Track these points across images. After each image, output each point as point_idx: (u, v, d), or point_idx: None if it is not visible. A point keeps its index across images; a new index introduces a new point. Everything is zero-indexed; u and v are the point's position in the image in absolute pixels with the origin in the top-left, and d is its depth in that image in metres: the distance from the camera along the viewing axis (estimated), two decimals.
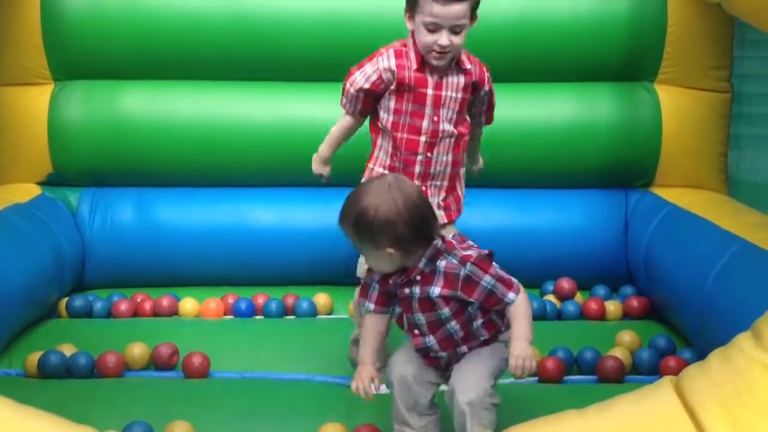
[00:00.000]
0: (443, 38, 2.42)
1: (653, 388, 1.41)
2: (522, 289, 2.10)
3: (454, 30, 2.43)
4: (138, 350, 2.79)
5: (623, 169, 3.58)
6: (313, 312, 3.29)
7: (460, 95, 2.56)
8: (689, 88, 3.51)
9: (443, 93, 2.54)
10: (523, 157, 3.57)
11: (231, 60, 3.52)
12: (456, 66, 2.55)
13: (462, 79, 2.56)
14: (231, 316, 3.29)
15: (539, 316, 3.21)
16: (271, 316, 3.26)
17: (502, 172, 3.58)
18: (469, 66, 2.58)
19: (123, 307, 3.25)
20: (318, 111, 3.47)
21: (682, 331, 3.06)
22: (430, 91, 2.52)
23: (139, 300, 3.30)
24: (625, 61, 3.51)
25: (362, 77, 2.55)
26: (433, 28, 2.42)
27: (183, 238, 3.50)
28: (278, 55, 3.51)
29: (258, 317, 3.29)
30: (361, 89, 2.56)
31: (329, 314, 3.36)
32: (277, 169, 3.56)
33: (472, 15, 2.49)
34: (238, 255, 3.50)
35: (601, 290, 3.46)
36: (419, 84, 2.52)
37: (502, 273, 2.10)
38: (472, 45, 3.43)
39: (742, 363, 1.33)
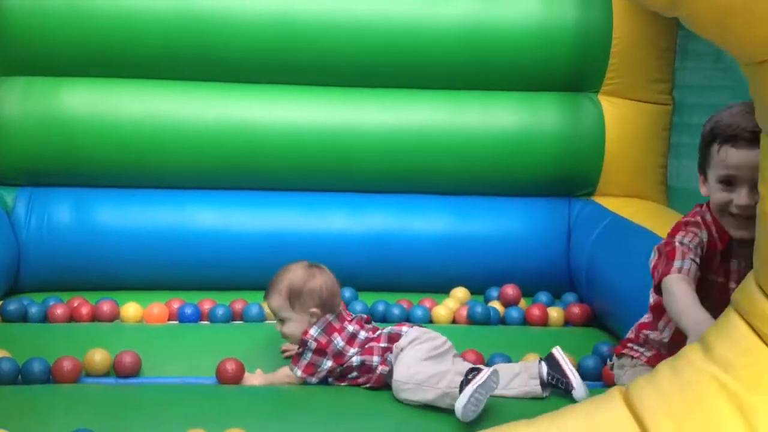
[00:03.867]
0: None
1: (603, 399, 1.43)
2: (294, 371, 2.57)
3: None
4: (98, 356, 2.71)
5: (567, 178, 3.64)
6: (262, 317, 3.25)
7: None
8: (632, 99, 3.60)
9: None
10: (468, 165, 3.61)
11: (175, 59, 3.46)
12: None
13: None
14: (175, 322, 3.23)
15: (483, 321, 3.24)
16: (218, 321, 3.21)
17: (447, 179, 3.62)
18: None
19: (59, 311, 3.16)
20: (262, 113, 3.46)
21: (623, 338, 3.11)
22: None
23: (76, 304, 3.21)
24: (570, 72, 3.58)
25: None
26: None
27: (123, 241, 3.44)
28: (223, 56, 3.47)
29: (204, 323, 3.24)
30: None
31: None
32: (222, 170, 3.52)
33: None
34: (182, 259, 3.45)
35: (543, 297, 3.51)
36: None
37: (308, 358, 2.57)
38: (420, 53, 3.50)
39: (692, 375, 1.35)
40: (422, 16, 3.49)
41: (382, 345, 2.57)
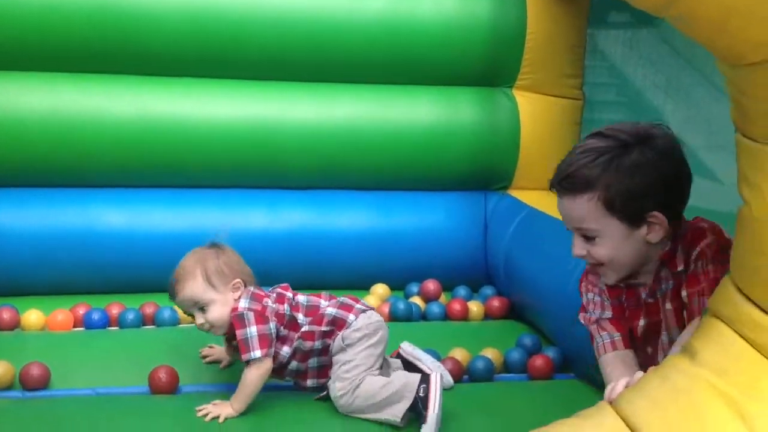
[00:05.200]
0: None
1: (593, 412, 1.40)
2: (252, 356, 2.35)
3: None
4: (1, 369, 2.51)
5: (483, 172, 3.67)
6: (176, 321, 3.09)
7: None
8: (545, 94, 3.65)
9: None
10: (385, 160, 3.57)
11: (85, 52, 3.26)
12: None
13: None
14: (82, 329, 3.03)
15: (405, 317, 3.22)
16: (128, 326, 3.04)
17: (365, 175, 3.58)
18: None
19: None
20: (176, 107, 3.32)
21: (544, 330, 3.16)
22: None
23: None
24: (485, 67, 3.60)
25: None
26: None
27: (23, 243, 3.22)
28: (136, 49, 3.30)
29: (113, 328, 3.06)
30: None
31: (192, 323, 3.16)
32: (131, 168, 3.34)
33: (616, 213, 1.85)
34: (88, 261, 3.26)
35: (462, 291, 3.52)
36: None
37: (254, 332, 2.35)
38: (339, 47, 3.43)
39: (684, 382, 1.33)
40: (341, 11, 3.43)
41: (324, 329, 2.44)
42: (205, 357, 2.70)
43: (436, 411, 2.23)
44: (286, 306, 2.44)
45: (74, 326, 3.03)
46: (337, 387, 2.37)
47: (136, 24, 3.26)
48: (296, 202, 3.53)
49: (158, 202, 3.38)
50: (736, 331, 1.35)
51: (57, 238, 3.24)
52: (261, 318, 2.36)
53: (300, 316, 2.44)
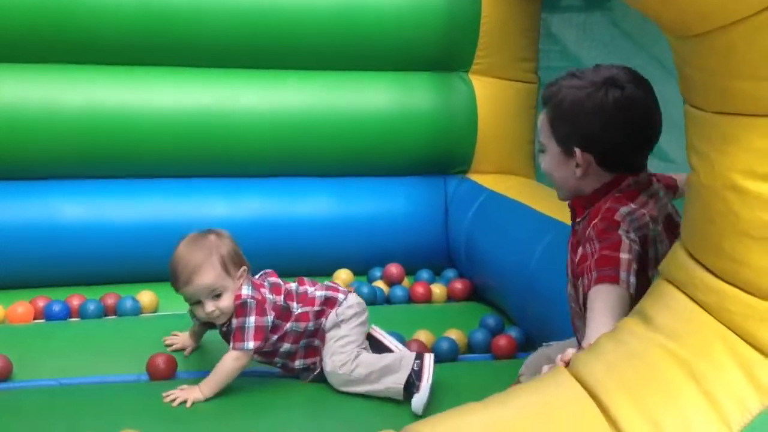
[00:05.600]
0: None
1: (550, 376, 1.43)
2: (245, 348, 2.38)
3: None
4: None
5: (441, 156, 3.70)
6: (138, 311, 3.08)
7: None
8: (500, 78, 3.68)
9: None
10: (343, 146, 3.58)
11: (35, 41, 3.21)
12: None
13: None
14: (42, 321, 3.00)
15: (369, 301, 3.23)
16: (89, 317, 3.01)
17: (324, 162, 3.59)
18: None
19: None
20: (127, 97, 3.29)
21: (506, 310, 3.21)
22: None
23: None
24: (441, 51, 3.62)
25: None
26: None
27: None
28: (86, 38, 3.26)
29: (74, 320, 3.03)
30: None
31: (155, 312, 3.16)
32: (88, 158, 3.30)
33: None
34: (46, 253, 3.22)
35: (425, 274, 3.55)
36: None
37: (252, 322, 2.37)
38: (293, 33, 3.42)
39: (638, 346, 1.37)
40: None
41: (317, 309, 2.48)
42: (169, 346, 2.69)
43: (429, 381, 2.34)
44: (281, 297, 2.46)
45: (35, 318, 3.00)
46: (335, 360, 2.42)
47: (84, 13, 3.21)
48: (256, 190, 3.52)
49: (116, 193, 3.35)
50: (688, 295, 1.40)
51: (14, 231, 3.19)
52: (261, 309, 2.38)
53: (293, 305, 2.47)
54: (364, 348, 2.52)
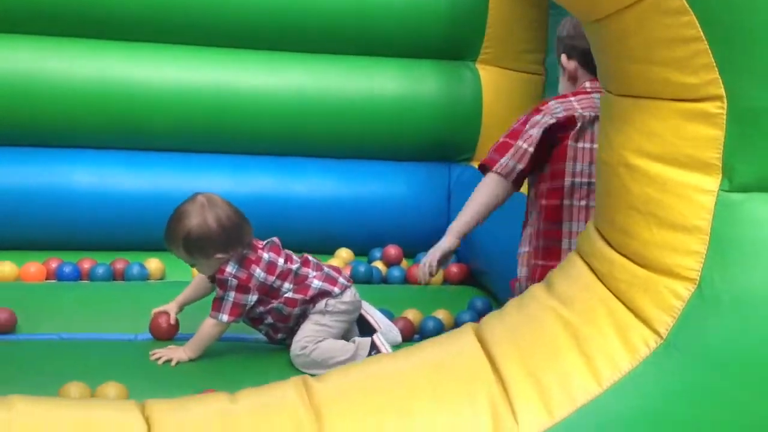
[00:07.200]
0: None
1: (457, 333, 1.56)
2: (219, 318, 2.45)
3: None
4: None
5: (446, 143, 3.78)
6: (145, 277, 3.24)
7: None
8: (507, 68, 3.75)
9: None
10: (350, 129, 3.68)
11: (47, 15, 3.38)
12: None
13: None
14: (54, 281, 3.18)
15: (365, 280, 3.34)
16: (98, 280, 3.19)
17: (332, 143, 3.69)
18: None
19: None
20: (142, 71, 3.44)
21: (497, 294, 3.28)
22: None
23: None
24: (449, 40, 3.70)
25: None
26: None
27: None
28: (103, 13, 3.42)
29: (84, 282, 3.21)
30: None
31: (161, 279, 3.32)
32: (101, 129, 3.48)
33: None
34: (60, 219, 3.40)
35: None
36: None
37: (231, 298, 2.44)
38: (306, 16, 3.53)
39: (535, 310, 1.49)
40: None
41: (307, 298, 2.52)
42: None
43: None
44: (274, 277, 2.47)
45: (46, 278, 3.18)
46: (299, 339, 2.48)
47: None
48: (262, 167, 3.66)
49: (126, 163, 3.52)
50: (587, 264, 1.50)
51: (30, 195, 3.38)
52: (243, 288, 2.42)
53: (286, 285, 2.50)
54: (340, 338, 2.54)
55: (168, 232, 2.44)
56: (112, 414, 1.41)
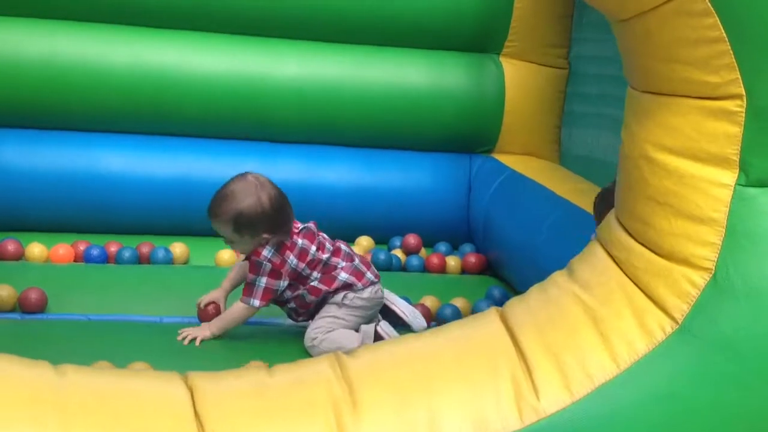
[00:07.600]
0: None
1: (482, 315, 1.63)
2: (250, 303, 2.50)
3: None
4: (4, 292, 2.71)
5: (468, 134, 3.83)
6: (170, 261, 3.31)
7: None
8: (530, 62, 3.80)
9: None
10: (375, 118, 3.74)
11: (85, 2, 3.46)
12: None
13: None
14: (81, 263, 3.25)
15: (385, 267, 3.40)
16: (125, 263, 3.26)
17: (356, 132, 3.75)
18: None
19: None
20: (175, 58, 3.50)
21: (514, 285, 3.33)
22: None
23: None
24: (474, 33, 3.75)
25: None
26: None
27: (29, 182, 3.44)
28: (135, 1, 3.49)
29: (110, 264, 3.27)
30: None
31: (186, 263, 3.39)
32: (132, 115, 3.55)
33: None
34: (89, 202, 3.48)
35: (442, 247, 3.70)
36: None
37: (263, 283, 2.48)
38: (334, 6, 3.58)
39: (556, 293, 1.56)
40: None
41: (331, 290, 2.55)
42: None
43: None
44: (304, 264, 2.51)
45: (74, 260, 3.25)
46: (311, 330, 2.53)
47: None
48: (288, 154, 3.71)
49: (156, 149, 3.59)
50: (607, 251, 1.56)
51: (60, 179, 3.46)
52: (275, 273, 2.46)
53: (314, 274, 2.54)
54: (353, 329, 2.57)
55: (216, 208, 2.45)
56: (157, 383, 1.48)
